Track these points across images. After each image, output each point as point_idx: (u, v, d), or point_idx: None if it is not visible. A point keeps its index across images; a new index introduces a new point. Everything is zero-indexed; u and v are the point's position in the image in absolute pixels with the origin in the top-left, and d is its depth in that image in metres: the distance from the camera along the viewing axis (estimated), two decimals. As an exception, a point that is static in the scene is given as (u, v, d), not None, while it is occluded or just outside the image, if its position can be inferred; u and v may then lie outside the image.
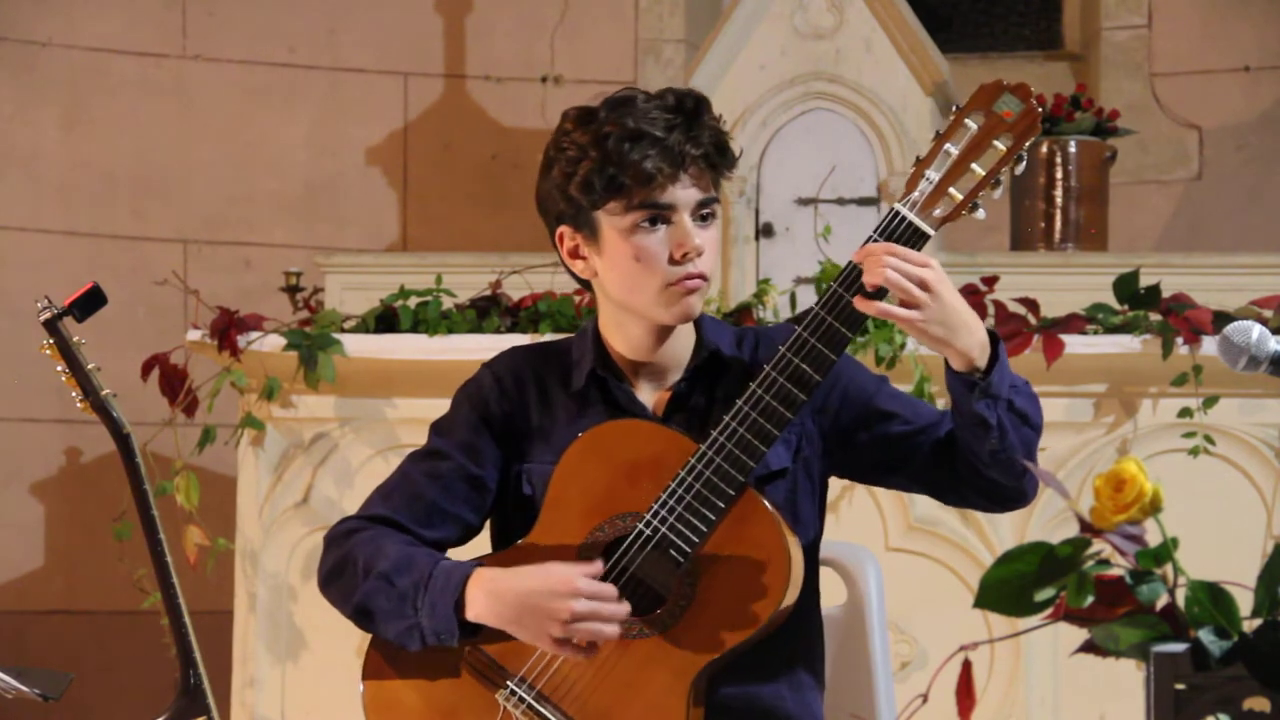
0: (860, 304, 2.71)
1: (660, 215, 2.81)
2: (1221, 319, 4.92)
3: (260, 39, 6.66)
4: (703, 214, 2.84)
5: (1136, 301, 5.07)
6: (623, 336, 2.91)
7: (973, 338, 2.72)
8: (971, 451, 2.79)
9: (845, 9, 5.42)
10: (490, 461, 2.93)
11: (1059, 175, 5.65)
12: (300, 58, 6.68)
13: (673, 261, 2.82)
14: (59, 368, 3.24)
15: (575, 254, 2.89)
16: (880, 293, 2.72)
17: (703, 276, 2.84)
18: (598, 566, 2.77)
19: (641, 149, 2.79)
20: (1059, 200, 5.65)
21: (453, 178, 6.72)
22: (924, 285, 2.68)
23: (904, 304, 2.69)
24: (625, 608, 2.76)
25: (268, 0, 6.67)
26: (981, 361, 2.74)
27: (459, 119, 6.75)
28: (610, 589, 2.75)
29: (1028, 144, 2.74)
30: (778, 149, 5.41)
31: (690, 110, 2.83)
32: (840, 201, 5.38)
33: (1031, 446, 2.81)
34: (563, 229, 2.89)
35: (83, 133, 6.53)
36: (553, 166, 2.86)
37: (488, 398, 2.94)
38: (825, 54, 5.43)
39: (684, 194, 2.82)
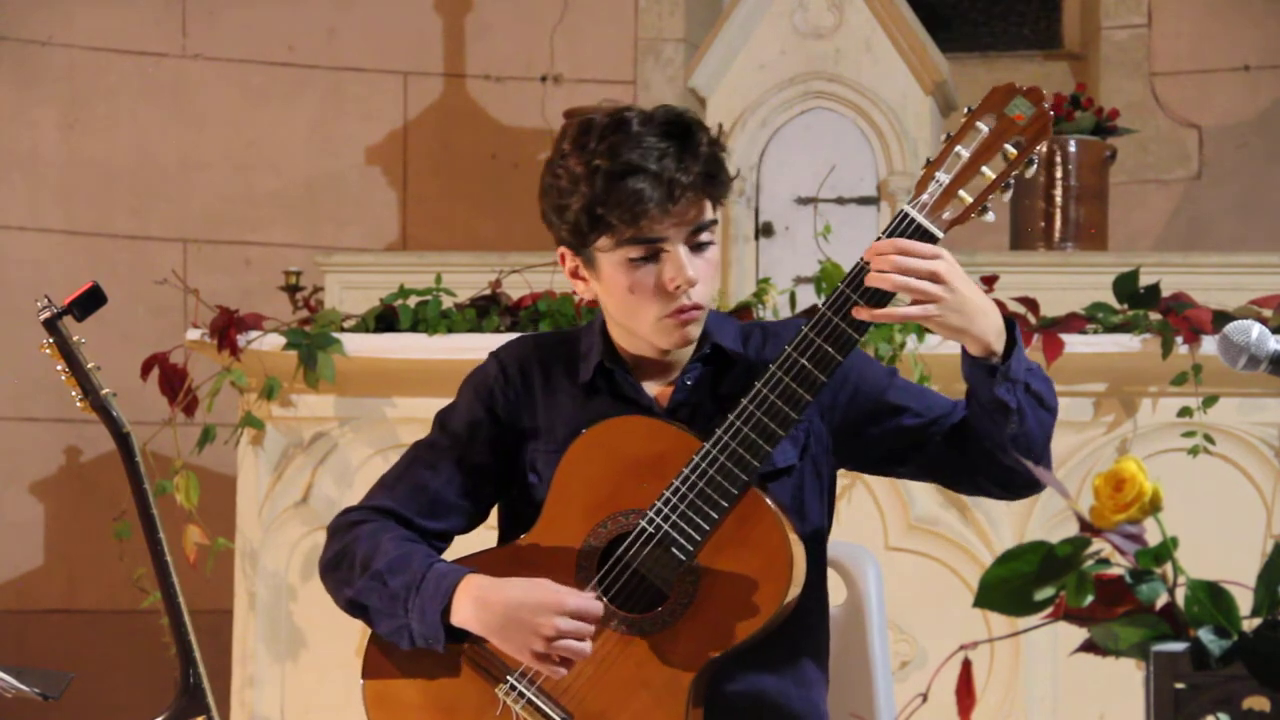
0: (861, 313, 2.70)
1: (651, 249, 2.80)
2: (1221, 318, 4.92)
3: (260, 38, 6.66)
4: (698, 240, 2.82)
5: (1136, 301, 5.06)
6: (628, 338, 2.93)
7: (990, 323, 2.72)
8: (989, 438, 2.79)
9: (845, 9, 5.42)
10: (494, 451, 2.94)
11: (1059, 174, 5.64)
12: (300, 57, 6.68)
13: (667, 294, 2.82)
14: (59, 367, 3.24)
15: (576, 274, 2.91)
16: (887, 296, 2.71)
17: (698, 307, 2.83)
18: (590, 595, 2.78)
19: (632, 183, 2.75)
20: (1059, 199, 5.64)
21: (452, 177, 6.72)
22: (935, 278, 2.67)
23: (917, 301, 2.68)
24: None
25: (267, 0, 6.67)
26: (999, 346, 2.73)
27: (459, 119, 6.75)
28: (596, 609, 2.77)
29: (1039, 148, 2.73)
30: (777, 148, 5.41)
31: (681, 134, 2.79)
32: (840, 201, 5.38)
33: (1048, 428, 2.81)
34: (563, 250, 2.90)
35: (83, 132, 6.53)
36: (549, 192, 2.85)
37: (493, 387, 2.96)
38: (825, 54, 5.43)
39: (675, 226, 2.79)
